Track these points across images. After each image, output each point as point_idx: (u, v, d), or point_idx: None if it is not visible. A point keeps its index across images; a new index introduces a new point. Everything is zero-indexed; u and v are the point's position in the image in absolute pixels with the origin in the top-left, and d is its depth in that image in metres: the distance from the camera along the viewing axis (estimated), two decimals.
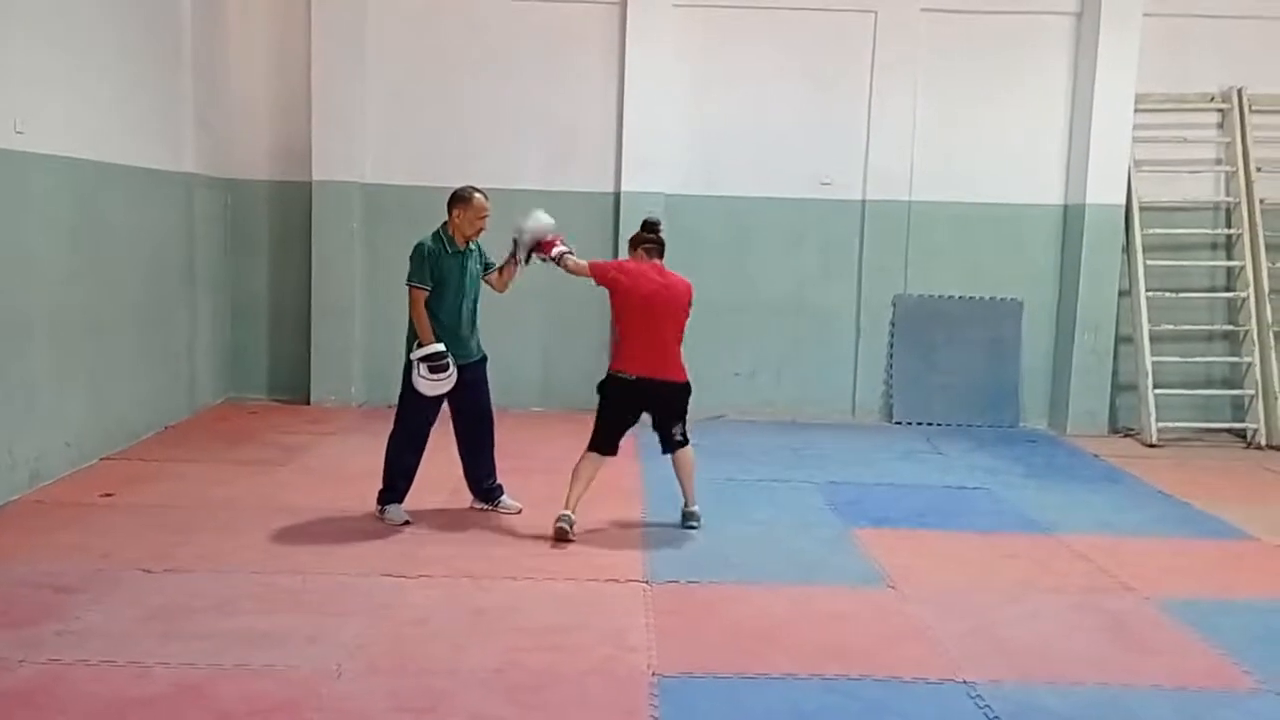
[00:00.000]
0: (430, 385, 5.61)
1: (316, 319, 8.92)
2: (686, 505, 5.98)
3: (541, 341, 9.18)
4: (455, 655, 4.20)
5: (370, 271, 8.89)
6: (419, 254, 5.66)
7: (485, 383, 5.96)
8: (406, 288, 5.67)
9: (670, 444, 5.91)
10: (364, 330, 8.97)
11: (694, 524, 5.91)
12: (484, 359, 5.96)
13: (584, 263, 5.80)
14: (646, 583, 5.06)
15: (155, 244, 7.73)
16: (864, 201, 9.08)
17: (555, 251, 5.77)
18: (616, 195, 8.96)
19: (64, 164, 6.42)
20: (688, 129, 9.00)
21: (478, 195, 5.71)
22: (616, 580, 5.08)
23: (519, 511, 6.05)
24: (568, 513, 5.65)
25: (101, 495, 6.16)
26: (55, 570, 4.91)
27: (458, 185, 5.81)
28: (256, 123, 8.98)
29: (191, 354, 8.38)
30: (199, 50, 8.30)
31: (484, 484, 6.09)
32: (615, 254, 8.75)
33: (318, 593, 4.80)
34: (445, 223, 5.73)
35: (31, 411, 6.13)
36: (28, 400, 6.10)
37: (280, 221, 9.06)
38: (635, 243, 5.87)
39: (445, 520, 5.93)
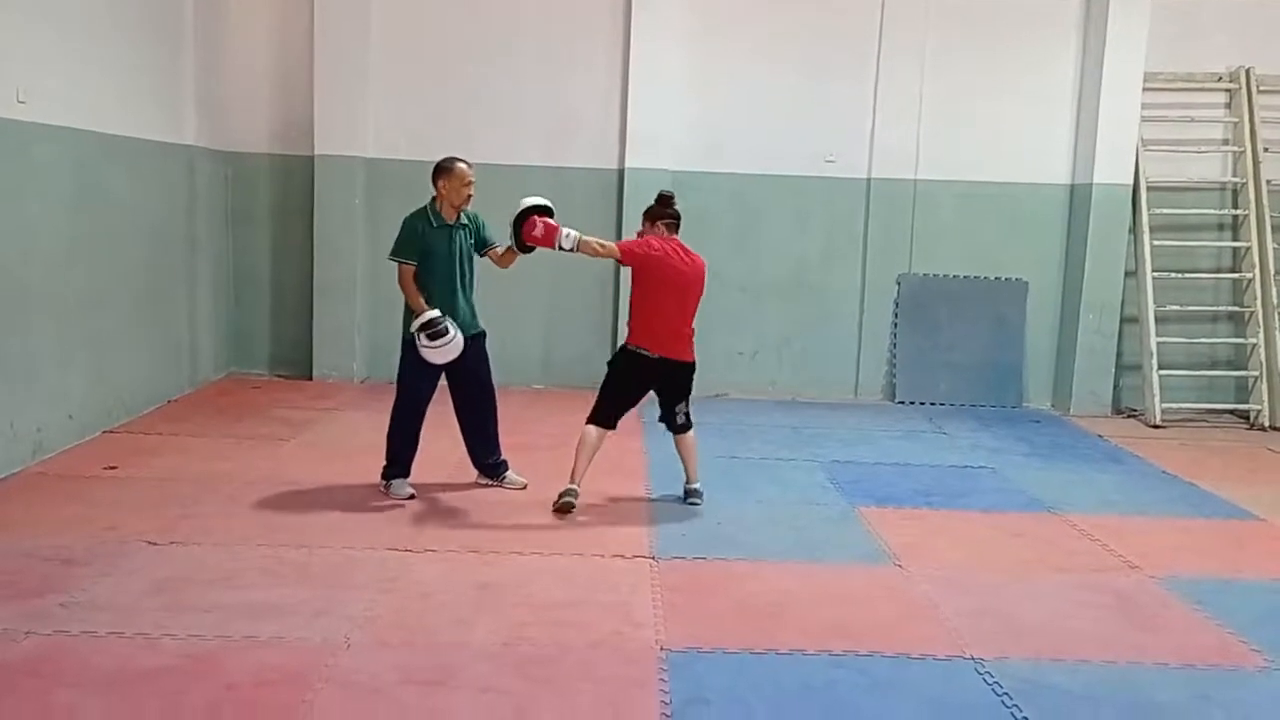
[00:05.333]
0: (436, 353, 5.55)
1: (319, 294, 8.87)
2: (689, 483, 5.98)
3: (543, 318, 9.14)
4: (462, 629, 4.19)
5: (373, 246, 8.79)
6: (404, 228, 5.66)
7: (485, 357, 5.91)
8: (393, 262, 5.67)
9: (674, 424, 5.90)
10: (366, 305, 8.92)
11: (696, 500, 5.92)
12: (482, 334, 5.90)
13: (610, 243, 5.67)
14: (652, 559, 5.06)
15: (156, 216, 7.68)
16: (869, 180, 9.02)
17: (568, 241, 5.46)
18: (620, 172, 8.90)
19: (65, 134, 6.36)
20: (692, 105, 8.92)
21: (460, 164, 5.65)
22: (622, 556, 5.07)
23: (524, 487, 6.03)
24: (573, 486, 5.64)
25: (105, 468, 6.14)
26: (60, 543, 4.90)
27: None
28: (258, 96, 8.89)
29: (193, 328, 8.34)
30: (201, 21, 8.21)
31: (488, 460, 6.06)
32: (619, 232, 8.73)
33: (324, 566, 4.79)
34: (434, 196, 5.70)
35: (33, 384, 6.10)
36: (29, 373, 6.07)
37: (282, 195, 8.99)
38: (653, 217, 5.71)
39: (450, 495, 5.91)
